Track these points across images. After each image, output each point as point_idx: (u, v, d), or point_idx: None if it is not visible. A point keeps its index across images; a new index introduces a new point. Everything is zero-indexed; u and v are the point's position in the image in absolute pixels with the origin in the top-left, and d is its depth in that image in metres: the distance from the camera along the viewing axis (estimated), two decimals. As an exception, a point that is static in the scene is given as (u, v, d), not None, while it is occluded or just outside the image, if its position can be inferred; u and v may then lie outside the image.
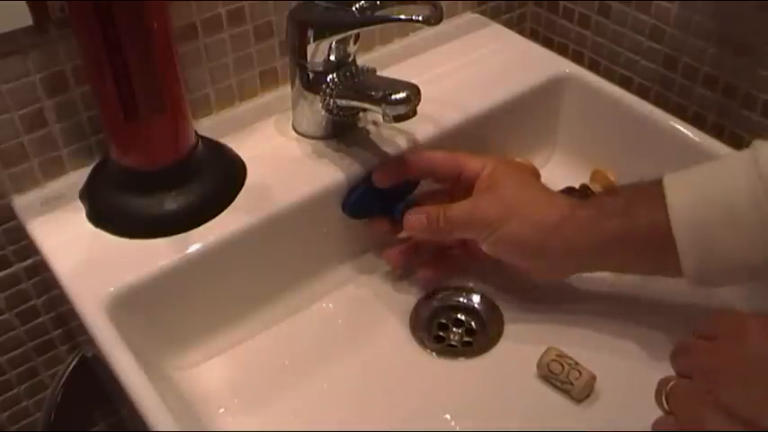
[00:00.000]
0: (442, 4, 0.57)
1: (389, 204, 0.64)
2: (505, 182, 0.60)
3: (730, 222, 0.51)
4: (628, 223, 0.55)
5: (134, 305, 0.56)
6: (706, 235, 0.52)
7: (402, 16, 0.59)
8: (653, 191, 0.54)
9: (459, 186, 0.62)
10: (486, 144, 0.71)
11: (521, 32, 0.86)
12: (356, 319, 0.65)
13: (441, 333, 0.64)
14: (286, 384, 0.60)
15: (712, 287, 0.56)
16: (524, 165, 0.73)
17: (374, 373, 0.61)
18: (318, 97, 0.65)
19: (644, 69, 0.79)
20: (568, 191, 0.72)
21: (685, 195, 0.53)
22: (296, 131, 0.69)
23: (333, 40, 0.62)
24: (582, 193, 0.72)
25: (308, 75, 0.65)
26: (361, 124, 0.69)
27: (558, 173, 0.74)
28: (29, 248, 0.64)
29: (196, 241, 0.59)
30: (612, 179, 0.72)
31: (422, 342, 0.62)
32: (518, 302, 0.64)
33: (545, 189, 0.61)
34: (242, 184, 0.64)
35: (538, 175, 0.73)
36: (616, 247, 0.56)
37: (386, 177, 0.64)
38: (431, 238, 0.63)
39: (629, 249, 0.56)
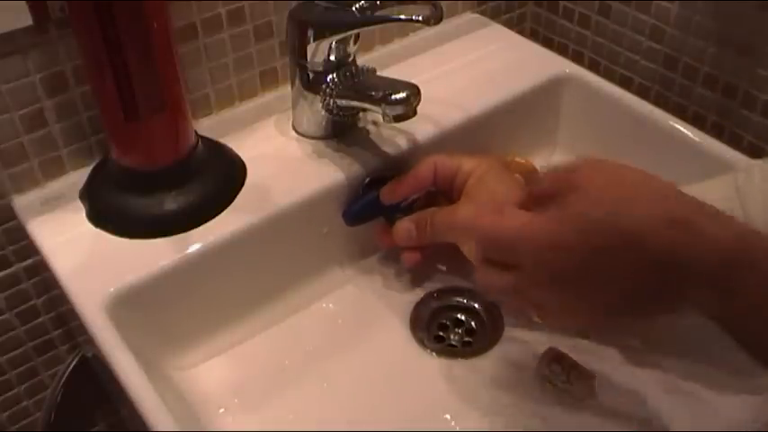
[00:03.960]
0: (442, 4, 0.57)
1: (387, 210, 0.64)
2: (488, 190, 0.60)
3: None
4: None
5: (134, 305, 0.56)
6: None
7: (402, 16, 0.59)
8: None
9: (453, 187, 0.62)
10: (486, 144, 0.71)
11: (521, 32, 0.86)
12: (356, 319, 0.65)
13: (441, 333, 0.64)
14: (286, 384, 0.60)
15: None
16: (523, 165, 0.73)
17: (374, 373, 0.61)
18: (318, 97, 0.65)
19: (644, 69, 0.79)
20: None
21: None
22: (296, 131, 0.69)
23: (333, 40, 0.62)
24: None
25: (308, 75, 0.65)
26: (361, 124, 0.69)
27: (558, 173, 0.74)
28: (29, 248, 0.64)
29: (196, 241, 0.59)
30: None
31: (422, 342, 0.62)
32: (518, 302, 0.64)
33: None
34: (242, 184, 0.64)
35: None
36: None
37: (395, 194, 0.63)
38: (419, 245, 0.63)
39: None
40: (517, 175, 0.71)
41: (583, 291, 0.46)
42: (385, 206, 0.64)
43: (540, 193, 0.49)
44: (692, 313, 0.44)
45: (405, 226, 0.62)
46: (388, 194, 0.64)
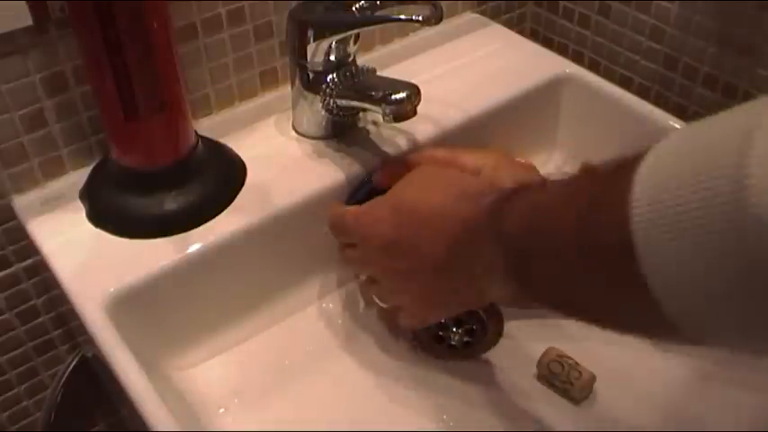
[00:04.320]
0: (442, 4, 0.57)
1: None
2: (508, 179, 0.59)
3: None
4: None
5: (134, 305, 0.56)
6: None
7: (402, 16, 0.59)
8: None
9: None
10: (485, 144, 0.71)
11: (521, 32, 0.86)
12: (356, 319, 0.65)
13: (441, 333, 0.64)
14: (286, 384, 0.60)
15: None
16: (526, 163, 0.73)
17: (374, 373, 0.61)
18: (318, 97, 0.65)
19: (644, 69, 0.79)
20: None
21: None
22: (296, 131, 0.69)
23: (333, 40, 0.62)
24: None
25: (308, 75, 0.65)
26: (361, 124, 0.69)
27: (558, 173, 0.74)
28: (29, 248, 0.64)
29: (196, 241, 0.59)
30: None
31: (422, 342, 0.62)
32: (518, 302, 0.64)
33: None
34: (242, 184, 0.64)
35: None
36: None
37: (387, 178, 0.64)
38: None
39: None
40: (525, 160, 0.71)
41: (400, 261, 0.54)
42: None
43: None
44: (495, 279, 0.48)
45: None
46: (380, 180, 0.64)
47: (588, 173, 0.41)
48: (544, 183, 0.46)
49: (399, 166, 0.64)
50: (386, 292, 0.58)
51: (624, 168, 0.35)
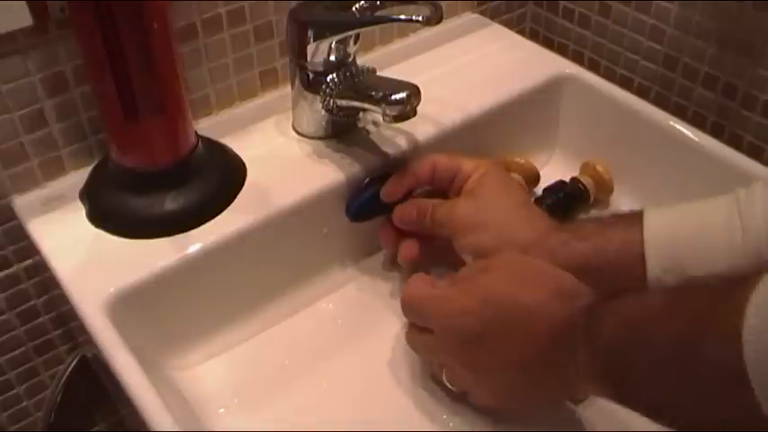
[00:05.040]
0: (442, 4, 0.57)
1: (389, 208, 0.64)
2: (490, 189, 0.60)
3: (701, 242, 0.51)
4: (600, 242, 0.54)
5: (134, 305, 0.56)
6: (676, 251, 0.51)
7: (402, 16, 0.59)
8: (632, 215, 0.54)
9: (452, 187, 0.62)
10: (486, 144, 0.71)
11: (521, 32, 0.86)
12: (356, 318, 0.65)
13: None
14: (286, 384, 0.60)
15: None
16: (523, 165, 0.73)
17: (374, 373, 0.61)
18: (318, 97, 0.65)
19: (644, 69, 0.79)
20: (561, 184, 0.72)
21: (663, 217, 0.53)
22: (296, 131, 0.69)
23: (333, 40, 0.62)
24: (573, 186, 0.72)
25: (308, 75, 0.65)
26: (361, 124, 0.69)
27: (558, 173, 0.74)
28: (29, 248, 0.64)
29: (196, 241, 0.59)
30: (602, 170, 0.72)
31: (422, 342, 0.63)
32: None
33: (527, 205, 0.60)
34: (242, 184, 0.64)
35: (537, 177, 0.73)
36: (583, 269, 0.53)
37: (395, 193, 0.63)
38: (416, 230, 0.63)
39: (597, 270, 0.53)
40: (516, 175, 0.71)
41: (483, 357, 0.51)
42: (387, 203, 0.64)
43: (458, 275, 0.55)
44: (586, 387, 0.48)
45: (407, 209, 0.63)
46: (388, 193, 0.64)
47: (687, 288, 0.43)
48: (639, 290, 0.46)
49: (406, 178, 0.63)
50: (459, 380, 0.55)
51: (732, 290, 0.36)
